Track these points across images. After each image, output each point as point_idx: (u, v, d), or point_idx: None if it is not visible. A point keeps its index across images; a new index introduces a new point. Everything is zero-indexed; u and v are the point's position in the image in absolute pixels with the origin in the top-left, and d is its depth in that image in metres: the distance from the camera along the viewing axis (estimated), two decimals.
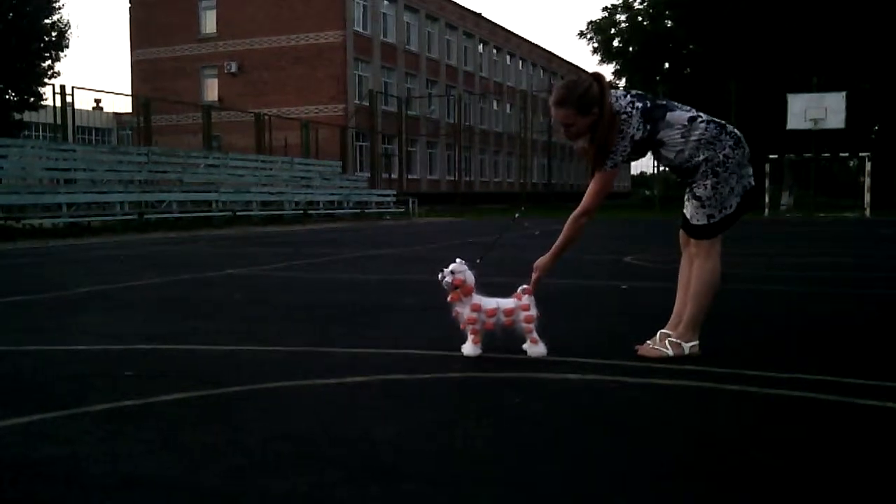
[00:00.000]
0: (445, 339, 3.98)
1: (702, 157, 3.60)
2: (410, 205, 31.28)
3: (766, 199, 29.90)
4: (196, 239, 15.13)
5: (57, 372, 3.58)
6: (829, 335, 4.54)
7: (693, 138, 3.59)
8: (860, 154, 29.46)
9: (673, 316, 3.87)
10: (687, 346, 3.74)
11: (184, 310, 5.63)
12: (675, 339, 3.75)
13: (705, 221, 3.71)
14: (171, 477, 2.23)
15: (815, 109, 28.35)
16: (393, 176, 40.41)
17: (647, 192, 58.81)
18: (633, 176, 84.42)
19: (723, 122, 3.71)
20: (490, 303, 3.74)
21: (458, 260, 3.80)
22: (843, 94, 28.42)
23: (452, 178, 47.20)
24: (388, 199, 31.33)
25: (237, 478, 2.22)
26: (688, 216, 3.78)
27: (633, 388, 3.23)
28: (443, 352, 3.87)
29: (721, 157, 3.59)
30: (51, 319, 5.15)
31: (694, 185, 3.67)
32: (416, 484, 2.17)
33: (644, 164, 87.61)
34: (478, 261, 3.97)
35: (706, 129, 3.60)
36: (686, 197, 3.79)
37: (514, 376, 3.45)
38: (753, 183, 3.78)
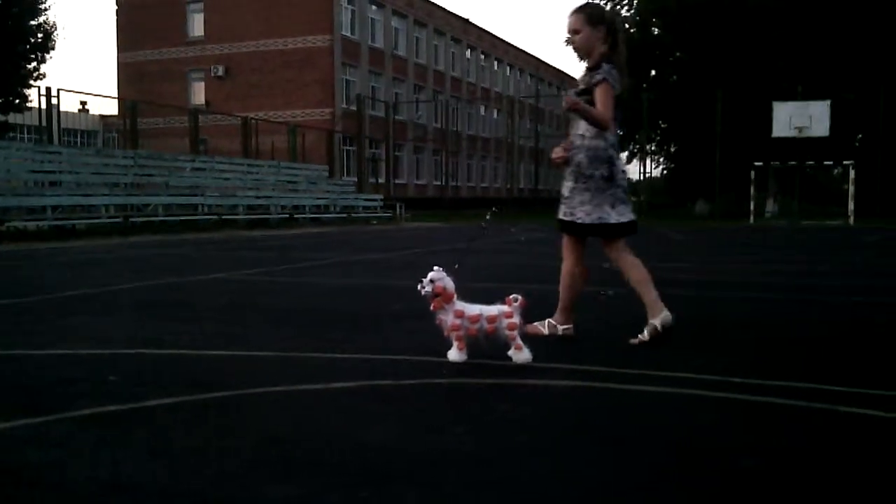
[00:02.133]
0: (433, 345, 3.99)
1: (584, 157, 4.17)
2: (397, 209, 31.27)
3: (752, 207, 30.07)
4: (182, 243, 15.07)
5: (42, 376, 3.56)
6: (816, 343, 4.57)
7: (609, 142, 4.18)
8: (844, 162, 29.67)
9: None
10: (560, 328, 4.38)
11: (170, 314, 5.61)
12: (552, 321, 4.42)
13: (560, 216, 4.31)
14: (159, 483, 2.22)
15: (799, 118, 28.56)
16: (380, 181, 40.40)
17: (634, 199, 59.09)
18: None
19: (622, 166, 4.29)
20: (473, 309, 3.75)
21: (436, 267, 3.82)
22: (828, 102, 28.65)
23: (439, 184, 47.24)
24: (375, 203, 31.31)
25: (225, 483, 2.21)
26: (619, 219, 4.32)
27: (620, 394, 3.25)
28: (430, 357, 3.88)
29: (590, 171, 4.14)
30: (36, 323, 5.12)
31: (566, 179, 4.26)
32: (404, 488, 2.18)
33: (631, 171, 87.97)
34: (455, 266, 4.07)
35: (615, 145, 4.24)
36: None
37: (501, 382, 3.46)
38: (611, 221, 4.24)
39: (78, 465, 2.37)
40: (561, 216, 4.31)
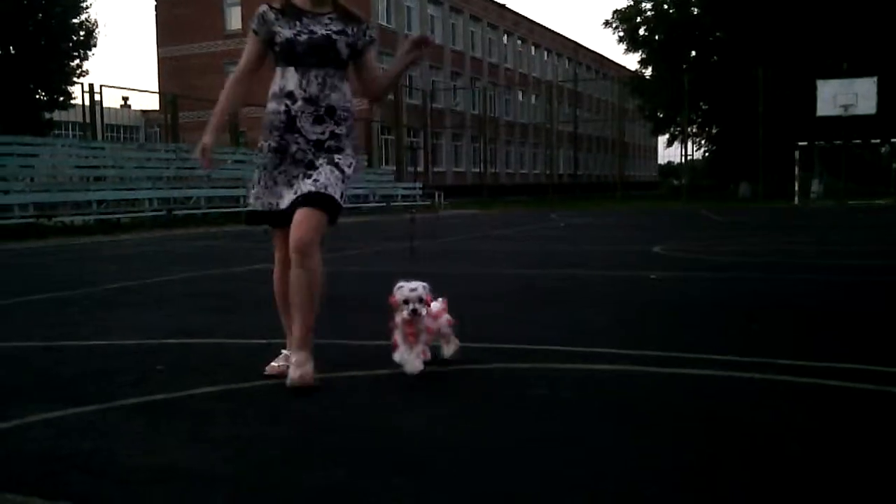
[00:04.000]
0: (470, 331, 3.99)
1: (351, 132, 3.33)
2: (436, 197, 31.27)
3: (797, 187, 29.56)
4: (225, 234, 15.25)
5: (89, 367, 3.63)
6: (862, 323, 4.49)
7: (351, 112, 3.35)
8: (892, 140, 28.98)
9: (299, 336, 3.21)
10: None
11: (213, 304, 5.69)
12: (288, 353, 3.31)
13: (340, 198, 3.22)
14: (204, 469, 2.26)
15: (845, 95, 27.92)
16: (418, 169, 40.41)
17: (676, 182, 58.38)
18: (660, 165, 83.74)
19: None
20: (435, 305, 3.31)
21: (403, 286, 3.20)
22: (874, 79, 27.96)
23: (478, 171, 47.13)
24: (414, 192, 31.34)
25: (269, 470, 2.24)
26: (317, 187, 3.13)
27: (662, 379, 3.22)
28: (468, 343, 3.87)
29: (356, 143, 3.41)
30: (82, 315, 5.22)
31: (340, 156, 3.24)
32: (443, 475, 2.18)
33: (672, 154, 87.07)
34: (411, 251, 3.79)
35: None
36: (306, 170, 3.19)
37: (541, 367, 3.45)
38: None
39: (126, 452, 2.41)
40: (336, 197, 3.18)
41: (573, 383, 3.21)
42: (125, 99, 43.08)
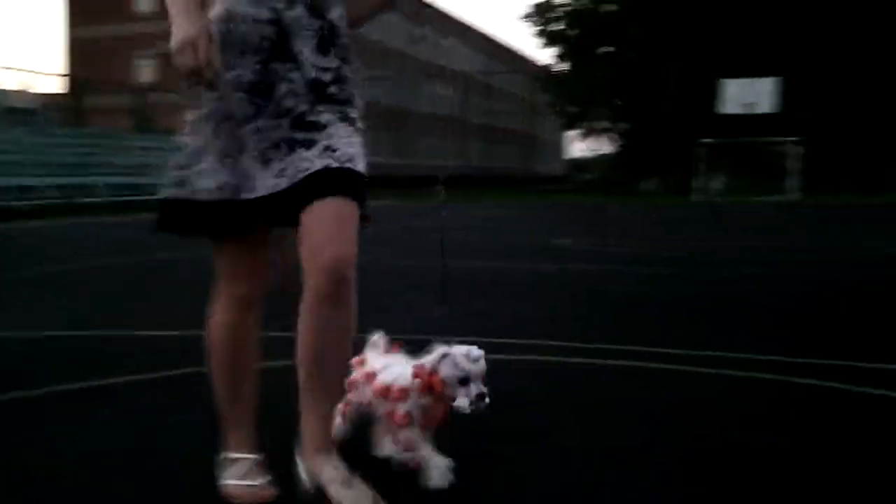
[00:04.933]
0: (434, 323, 3.95)
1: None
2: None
3: (694, 184, 30.54)
4: (130, 223, 14.76)
5: (6, 356, 3.48)
6: (810, 319, 4.64)
7: None
8: (789, 139, 30.20)
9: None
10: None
11: (129, 293, 5.52)
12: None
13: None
14: (131, 456, 2.18)
15: (748, 94, 28.84)
16: None
17: (586, 175, 59.58)
18: (570, 160, 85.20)
19: None
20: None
21: (453, 353, 2.03)
22: (776, 79, 28.99)
23: (394, 161, 47.06)
24: None
25: (187, 452, 2.15)
26: (339, 160, 1.86)
27: (632, 372, 3.24)
28: (427, 336, 3.82)
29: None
30: None
31: (353, 110, 1.97)
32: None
33: (583, 149, 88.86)
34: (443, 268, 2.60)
35: None
36: (304, 133, 1.86)
37: (513, 359, 3.42)
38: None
39: (50, 439, 2.31)
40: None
41: (548, 376, 3.24)
42: (24, 82, 41.34)
